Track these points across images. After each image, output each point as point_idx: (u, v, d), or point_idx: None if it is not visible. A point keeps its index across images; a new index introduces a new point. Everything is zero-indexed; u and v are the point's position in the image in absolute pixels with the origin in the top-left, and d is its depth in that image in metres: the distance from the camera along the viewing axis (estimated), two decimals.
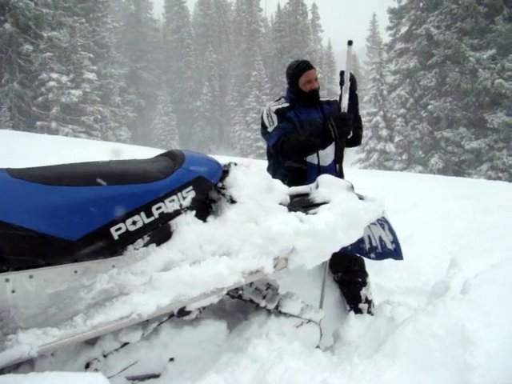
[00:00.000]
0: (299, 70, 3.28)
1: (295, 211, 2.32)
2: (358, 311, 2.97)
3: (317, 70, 3.38)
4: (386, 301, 3.06)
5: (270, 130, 3.22)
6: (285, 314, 2.36)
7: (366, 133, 29.59)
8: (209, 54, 52.36)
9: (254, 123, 41.86)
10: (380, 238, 2.94)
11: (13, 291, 1.61)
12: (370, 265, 3.27)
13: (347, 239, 2.31)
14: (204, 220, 2.09)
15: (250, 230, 2.10)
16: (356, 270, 3.14)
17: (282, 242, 2.10)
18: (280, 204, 2.32)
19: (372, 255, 2.97)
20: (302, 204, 2.51)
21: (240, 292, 2.25)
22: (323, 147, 3.11)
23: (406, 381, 1.64)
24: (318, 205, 2.44)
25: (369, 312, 3.05)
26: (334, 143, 3.16)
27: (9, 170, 1.71)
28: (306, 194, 2.62)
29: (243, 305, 2.46)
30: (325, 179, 2.60)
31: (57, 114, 25.64)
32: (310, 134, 3.05)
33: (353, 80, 3.13)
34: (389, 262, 4.33)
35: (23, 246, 1.64)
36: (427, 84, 26.07)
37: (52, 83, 24.94)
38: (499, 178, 19.67)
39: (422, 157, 26.95)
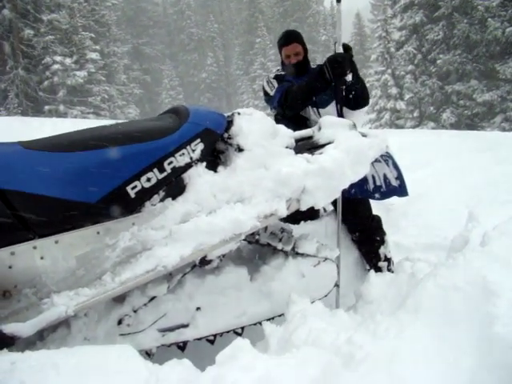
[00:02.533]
0: (279, 45, 3.41)
1: (302, 153, 2.35)
2: (378, 270, 2.99)
3: (300, 43, 3.38)
4: (405, 258, 3.07)
5: (272, 93, 3.30)
6: (302, 255, 2.43)
7: (376, 92, 29.16)
8: (210, 25, 51.63)
9: (262, 91, 41.36)
10: (384, 175, 2.95)
11: (41, 258, 1.69)
12: (386, 223, 3.27)
13: (355, 175, 2.36)
14: (215, 171, 2.13)
15: (260, 175, 2.15)
16: (373, 228, 3.15)
17: (292, 183, 2.15)
18: (286, 148, 2.35)
19: (376, 195, 2.99)
20: (307, 146, 2.53)
21: (257, 237, 2.32)
22: (323, 89, 3.08)
23: (429, 335, 1.65)
24: (322, 146, 2.46)
25: (389, 270, 3.07)
26: (334, 103, 3.16)
27: (21, 143, 1.75)
28: (310, 137, 2.64)
29: (260, 251, 2.53)
30: (327, 120, 2.61)
31: (64, 97, 25.57)
32: (308, 80, 3.09)
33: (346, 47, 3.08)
34: (406, 220, 4.34)
35: (46, 214, 1.70)
36: (435, 38, 25.42)
37: (56, 66, 24.80)
38: None
39: (433, 113, 26.50)
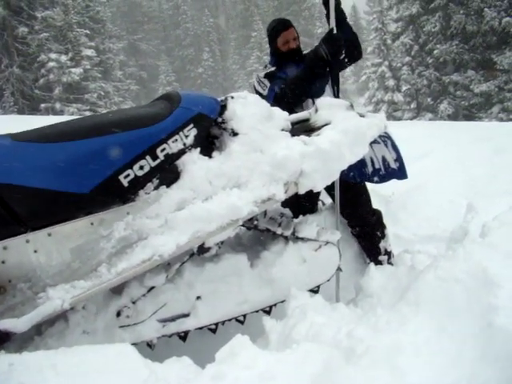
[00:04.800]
0: (275, 31, 3.27)
1: (298, 136, 2.31)
2: (378, 263, 2.97)
3: (294, 28, 3.31)
4: (405, 250, 3.06)
5: (265, 93, 3.19)
6: (302, 239, 2.39)
7: (373, 84, 29.15)
8: (206, 19, 51.48)
9: (253, 92, 41.25)
10: (383, 157, 2.90)
11: (35, 251, 1.68)
12: (386, 216, 3.26)
13: (353, 156, 2.30)
14: (209, 156, 2.10)
15: (256, 159, 2.11)
16: (373, 222, 3.13)
17: (289, 166, 2.10)
18: (282, 130, 2.31)
19: (375, 179, 2.95)
20: (303, 129, 2.48)
21: (255, 222, 2.29)
22: (322, 72, 3.00)
23: (430, 327, 1.64)
24: (319, 127, 2.41)
25: (389, 263, 3.05)
26: (329, 91, 3.12)
27: (11, 135, 1.73)
28: (307, 120, 2.58)
29: (260, 237, 2.50)
30: (323, 102, 2.55)
31: (60, 95, 25.49)
32: (304, 66, 3.00)
33: None
34: (405, 212, 4.33)
35: (37, 206, 1.69)
36: (431, 29, 25.33)
37: (51, 64, 24.72)
38: (511, 120, 19.32)
39: (431, 104, 26.47)
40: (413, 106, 27.77)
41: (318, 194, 3.23)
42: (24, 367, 1.34)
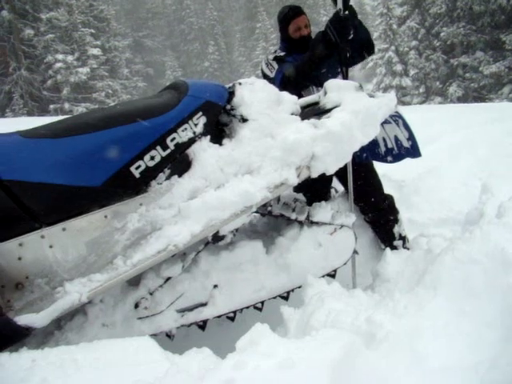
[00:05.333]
0: (287, 18, 3.23)
1: (308, 119, 2.29)
2: (394, 248, 2.94)
3: (306, 16, 3.28)
4: (420, 234, 3.04)
5: (272, 75, 3.17)
6: (317, 223, 2.38)
7: (380, 70, 28.90)
8: (210, 13, 51.21)
9: (261, 74, 41.17)
10: (396, 137, 2.87)
11: (50, 246, 1.68)
12: (399, 201, 3.24)
13: (365, 137, 2.27)
14: (220, 144, 2.09)
15: (267, 144, 2.10)
16: (386, 208, 3.10)
17: (300, 150, 2.09)
18: (292, 114, 2.29)
19: (389, 158, 2.92)
20: (313, 112, 2.45)
21: (269, 208, 2.27)
22: (328, 55, 2.94)
23: (449, 310, 1.63)
24: (329, 110, 2.37)
25: (404, 247, 3.03)
26: (339, 69, 3.05)
27: (20, 132, 1.74)
28: (316, 103, 2.55)
29: (275, 223, 2.49)
30: (332, 84, 2.51)
31: (68, 95, 25.62)
32: (312, 48, 2.95)
33: None
34: (418, 196, 4.30)
35: (50, 201, 1.69)
36: (437, 11, 25.05)
37: (58, 64, 24.86)
38: None
39: (439, 87, 26.22)
40: (421, 90, 27.53)
41: (330, 181, 3.21)
42: (46, 363, 1.35)
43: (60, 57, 24.89)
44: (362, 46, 3.08)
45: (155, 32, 52.77)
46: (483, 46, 23.84)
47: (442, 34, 24.62)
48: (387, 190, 3.23)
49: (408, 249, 2.95)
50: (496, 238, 1.75)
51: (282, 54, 3.27)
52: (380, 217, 3.10)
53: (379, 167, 3.16)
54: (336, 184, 3.31)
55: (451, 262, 1.78)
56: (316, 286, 2.11)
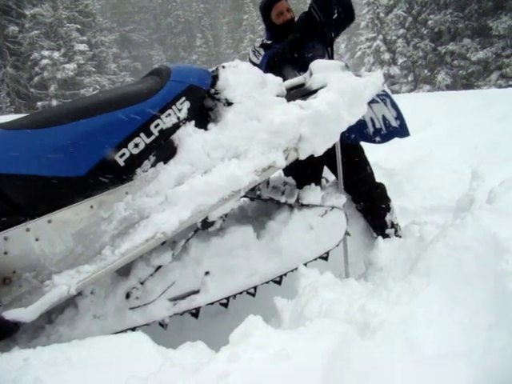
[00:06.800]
0: (269, 3, 3.25)
1: (294, 101, 2.27)
2: (386, 236, 2.95)
3: (287, 1, 3.28)
4: (412, 222, 3.04)
5: (259, 61, 3.18)
6: (307, 206, 2.36)
7: (368, 59, 28.85)
8: (196, 5, 50.89)
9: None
10: (383, 116, 2.86)
11: (36, 239, 1.66)
12: (390, 189, 3.24)
13: (352, 117, 2.26)
14: (205, 129, 2.08)
15: (253, 127, 2.08)
16: (378, 196, 3.11)
17: (287, 132, 2.07)
18: (277, 96, 2.27)
19: (377, 139, 2.92)
20: (299, 94, 2.43)
21: (258, 192, 2.26)
22: (313, 36, 2.97)
23: (442, 297, 1.64)
24: (315, 91, 2.36)
25: (396, 235, 3.04)
26: (325, 49, 3.07)
27: (1, 125, 1.71)
28: (302, 85, 2.53)
29: (265, 207, 2.47)
30: (317, 64, 2.50)
31: (55, 92, 25.39)
32: (296, 28, 2.96)
33: None
34: (409, 184, 4.30)
35: (34, 194, 1.67)
36: None
37: (45, 61, 24.59)
38: (510, 86, 19.15)
39: (428, 75, 26.22)
40: (410, 78, 27.54)
41: (321, 169, 3.21)
42: (38, 361, 1.34)
43: (46, 53, 24.62)
44: (344, 12, 3.04)
45: (142, 26, 52.37)
46: (470, 33, 23.86)
47: (429, 22, 24.58)
48: (378, 178, 3.23)
49: (400, 237, 2.95)
50: (487, 224, 1.76)
51: (269, 42, 3.28)
52: (372, 205, 3.10)
53: (370, 156, 3.16)
54: (328, 175, 3.30)
55: (443, 248, 1.78)
56: (309, 276, 2.10)
